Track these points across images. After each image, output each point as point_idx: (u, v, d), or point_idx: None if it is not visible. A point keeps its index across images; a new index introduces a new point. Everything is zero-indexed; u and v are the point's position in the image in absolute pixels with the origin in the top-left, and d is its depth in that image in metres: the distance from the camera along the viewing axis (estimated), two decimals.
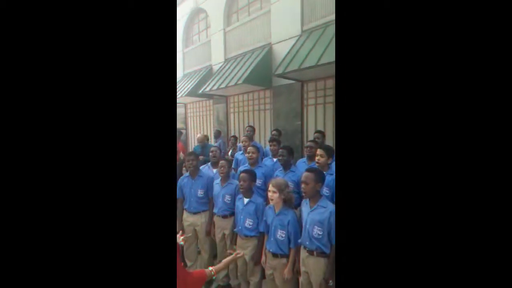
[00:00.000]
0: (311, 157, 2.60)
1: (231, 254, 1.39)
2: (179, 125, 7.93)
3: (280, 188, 1.84)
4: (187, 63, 7.74)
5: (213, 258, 2.57)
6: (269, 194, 1.86)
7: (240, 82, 4.50)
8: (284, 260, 1.81)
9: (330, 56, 3.29)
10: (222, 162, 2.49)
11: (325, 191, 2.24)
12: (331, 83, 4.09)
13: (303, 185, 1.72)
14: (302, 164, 2.74)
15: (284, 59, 4.07)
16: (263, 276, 2.08)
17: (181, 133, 4.97)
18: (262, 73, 4.70)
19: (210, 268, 1.10)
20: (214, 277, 1.08)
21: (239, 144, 4.00)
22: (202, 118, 7.44)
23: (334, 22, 3.80)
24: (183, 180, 2.59)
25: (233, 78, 4.87)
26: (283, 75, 4.01)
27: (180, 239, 1.38)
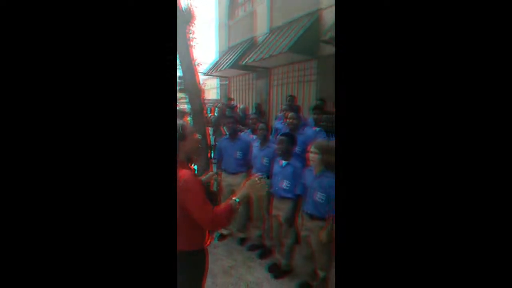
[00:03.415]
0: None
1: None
2: (223, 99, 8.08)
3: (323, 150, 1.74)
4: (232, 36, 7.69)
5: (248, 219, 2.63)
6: (310, 155, 1.77)
7: (284, 50, 4.31)
8: (321, 223, 1.75)
9: None
10: (261, 125, 2.45)
11: None
12: None
13: None
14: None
15: (334, 23, 3.74)
16: (296, 239, 2.06)
17: (234, 105, 5.03)
18: (309, 41, 4.42)
19: (234, 198, 1.08)
20: (238, 203, 1.07)
21: (279, 114, 3.91)
22: (244, 92, 7.45)
23: None
24: (222, 142, 2.64)
25: (277, 48, 4.68)
26: (330, 41, 3.71)
27: None
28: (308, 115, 3.99)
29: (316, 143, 1.79)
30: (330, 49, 4.17)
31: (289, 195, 2.00)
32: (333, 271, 1.83)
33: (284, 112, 3.36)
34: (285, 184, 2.01)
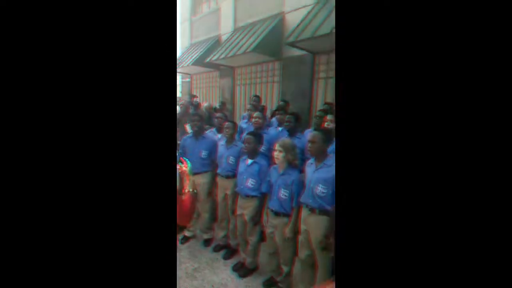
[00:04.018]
0: (320, 126, 2.53)
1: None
2: (185, 96, 7.80)
3: (286, 148, 1.79)
4: (195, 33, 7.48)
5: (213, 220, 2.59)
6: (275, 153, 1.82)
7: (249, 50, 4.34)
8: (285, 219, 1.80)
9: None
10: (227, 124, 2.43)
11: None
12: None
13: (309, 144, 1.67)
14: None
15: (297, 27, 3.88)
16: (262, 237, 2.09)
17: (197, 103, 4.85)
18: (273, 43, 4.51)
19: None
20: (195, 191, 1.08)
21: (245, 113, 3.93)
22: (208, 89, 7.31)
23: None
24: (186, 141, 2.55)
25: (241, 47, 4.69)
26: (295, 44, 3.84)
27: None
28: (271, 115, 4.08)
29: (280, 141, 1.84)
30: (293, 52, 4.32)
31: (254, 193, 2.02)
32: (296, 265, 1.90)
33: (250, 111, 3.38)
34: (250, 182, 2.03)
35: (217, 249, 2.44)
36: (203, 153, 2.46)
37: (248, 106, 3.60)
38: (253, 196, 2.03)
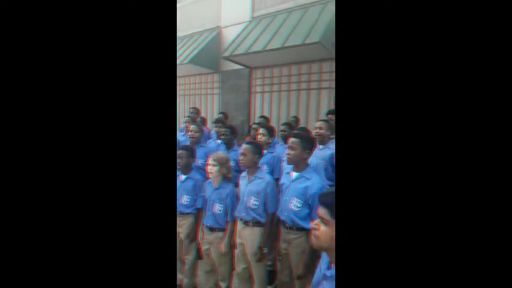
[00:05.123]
0: (285, 139, 2.50)
1: None
2: None
3: (220, 162, 1.80)
4: None
5: None
6: (209, 168, 1.80)
7: (186, 61, 4.27)
8: (220, 234, 1.78)
9: (277, 43, 3.37)
10: None
11: (265, 168, 2.29)
12: (277, 71, 4.20)
13: (241, 157, 1.71)
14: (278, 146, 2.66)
15: (232, 42, 4.00)
16: (198, 255, 2.02)
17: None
18: (210, 55, 4.55)
19: None
20: None
21: (182, 126, 3.81)
22: None
23: (285, 11, 3.94)
24: None
25: (179, 57, 4.58)
26: (230, 58, 3.95)
27: None
28: (211, 128, 4.06)
29: (213, 155, 1.83)
30: (232, 65, 4.43)
31: (189, 210, 1.95)
32: (234, 281, 1.89)
33: (187, 123, 3.29)
34: (185, 199, 1.96)
35: None
36: None
37: (185, 119, 3.51)
38: (188, 213, 1.96)
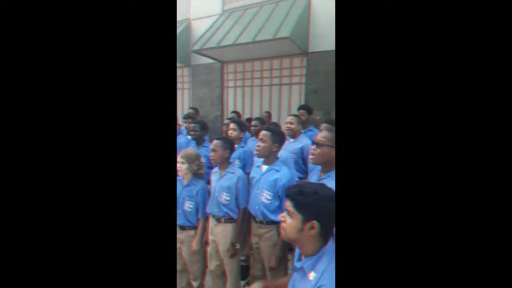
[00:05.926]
0: (257, 134, 2.51)
1: None
2: None
3: (189, 159, 1.74)
4: None
5: None
6: (178, 165, 1.73)
7: None
8: (192, 232, 1.73)
9: (248, 37, 3.33)
10: None
11: (237, 163, 2.27)
12: (249, 66, 4.17)
13: (212, 153, 1.67)
14: (250, 141, 2.66)
15: (202, 35, 3.89)
16: None
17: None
18: (180, 49, 4.37)
19: None
20: None
21: None
22: None
23: (255, 5, 3.90)
24: None
25: None
26: (200, 52, 3.83)
27: None
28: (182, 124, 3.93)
29: (182, 152, 1.76)
30: (203, 59, 4.30)
31: None
32: (207, 278, 1.85)
33: None
34: None
35: None
36: None
37: None
38: None
